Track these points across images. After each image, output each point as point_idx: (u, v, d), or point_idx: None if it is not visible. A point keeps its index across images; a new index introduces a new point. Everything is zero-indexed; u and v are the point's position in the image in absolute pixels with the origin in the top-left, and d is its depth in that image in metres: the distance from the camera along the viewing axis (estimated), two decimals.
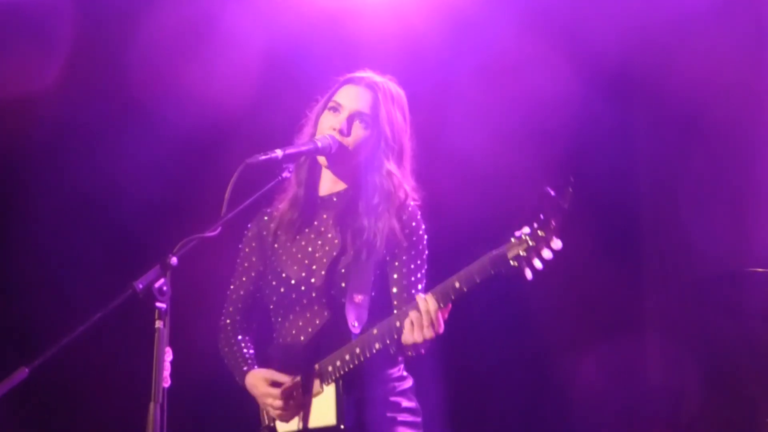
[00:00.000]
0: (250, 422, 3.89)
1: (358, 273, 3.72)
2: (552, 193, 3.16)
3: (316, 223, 3.92)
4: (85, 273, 5.82)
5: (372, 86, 3.88)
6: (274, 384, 3.79)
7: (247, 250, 4.05)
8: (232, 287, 4.08)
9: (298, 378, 3.77)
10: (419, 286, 3.77)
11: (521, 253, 3.25)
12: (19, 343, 5.58)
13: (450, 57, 5.61)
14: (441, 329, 3.47)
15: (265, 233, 4.00)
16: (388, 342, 3.56)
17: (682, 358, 5.40)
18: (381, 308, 3.74)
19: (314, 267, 3.83)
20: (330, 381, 3.69)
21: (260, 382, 3.82)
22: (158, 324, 3.08)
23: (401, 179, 3.85)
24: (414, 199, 3.89)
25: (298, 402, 3.76)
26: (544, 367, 5.68)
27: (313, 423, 3.73)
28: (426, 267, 3.82)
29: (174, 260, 3.15)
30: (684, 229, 5.42)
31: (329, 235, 3.87)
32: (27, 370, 3.04)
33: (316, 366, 3.73)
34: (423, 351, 3.57)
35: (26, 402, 5.39)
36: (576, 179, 3.15)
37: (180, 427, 3.34)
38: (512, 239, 3.28)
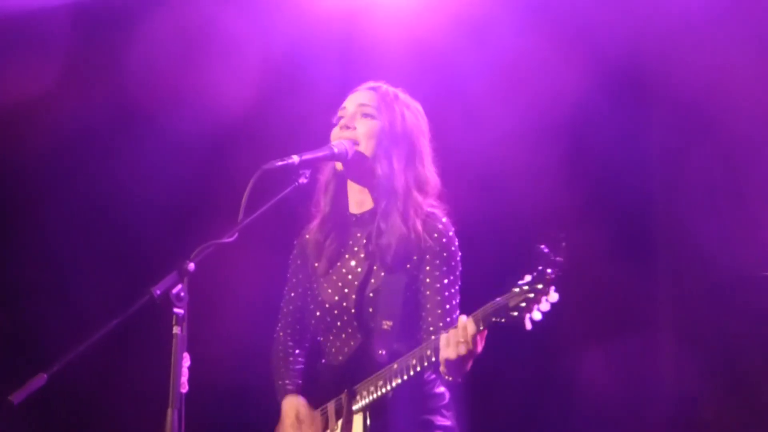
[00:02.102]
0: (267, 428, 3.90)
1: (386, 296, 3.69)
2: (546, 250, 3.20)
3: (350, 242, 3.90)
4: (96, 278, 5.83)
5: (373, 87, 3.93)
6: (299, 418, 3.82)
7: (293, 267, 4.06)
8: (283, 301, 4.10)
9: (321, 412, 3.80)
10: (453, 302, 3.73)
11: (522, 305, 3.26)
12: (35, 349, 5.58)
13: (459, 61, 5.60)
14: (478, 349, 3.42)
15: (307, 251, 4.00)
16: (406, 376, 3.53)
17: (695, 362, 5.38)
18: (411, 333, 3.71)
19: (346, 290, 3.83)
20: (358, 412, 3.68)
21: (291, 412, 3.85)
22: (176, 330, 3.09)
23: (412, 178, 3.82)
24: (433, 205, 3.85)
25: None
26: (556, 369, 5.66)
27: None
28: (459, 283, 3.78)
29: (191, 266, 3.15)
30: (697, 231, 5.40)
31: (361, 256, 3.85)
32: (45, 376, 3.04)
33: (343, 396, 3.73)
34: (459, 378, 3.50)
35: (45, 408, 5.39)
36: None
37: None
38: (514, 289, 3.29)
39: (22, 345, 5.80)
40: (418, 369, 3.51)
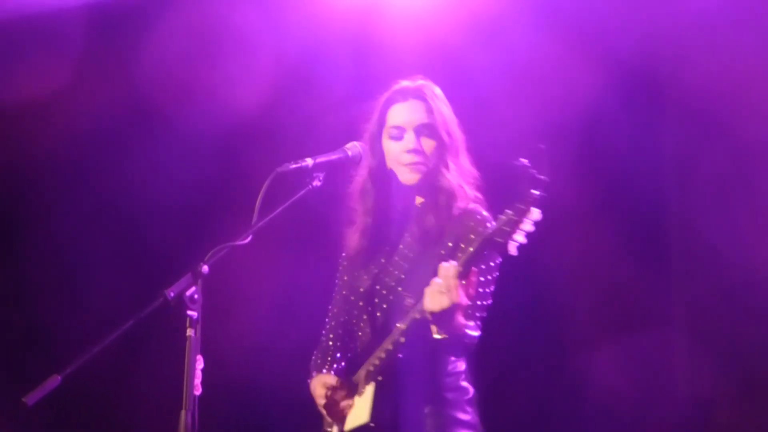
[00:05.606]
0: (281, 430, 3.91)
1: (416, 276, 3.65)
2: (527, 164, 3.13)
3: (392, 235, 3.91)
4: (110, 280, 5.86)
5: (418, 95, 3.88)
6: (327, 387, 3.82)
7: (341, 268, 4.07)
8: (331, 304, 4.09)
9: (345, 381, 3.80)
10: (480, 290, 3.63)
11: (505, 228, 3.22)
12: (49, 351, 5.60)
13: (473, 61, 5.60)
14: (462, 299, 3.36)
15: (352, 253, 3.99)
16: (403, 339, 3.52)
17: (709, 363, 5.37)
18: None
19: (380, 275, 3.84)
20: (370, 380, 3.68)
21: (317, 384, 3.87)
22: (189, 332, 3.09)
23: (460, 176, 3.83)
24: (473, 199, 3.83)
25: (344, 405, 3.79)
26: (569, 368, 5.66)
27: (351, 424, 3.75)
28: (493, 273, 3.69)
29: (205, 268, 3.15)
30: (710, 231, 5.39)
31: (400, 246, 3.86)
32: (59, 377, 3.04)
33: (361, 369, 3.74)
34: (452, 334, 3.43)
35: (59, 410, 5.41)
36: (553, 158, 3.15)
37: None
38: (500, 216, 3.26)
39: (36, 346, 5.82)
40: (411, 329, 3.50)
